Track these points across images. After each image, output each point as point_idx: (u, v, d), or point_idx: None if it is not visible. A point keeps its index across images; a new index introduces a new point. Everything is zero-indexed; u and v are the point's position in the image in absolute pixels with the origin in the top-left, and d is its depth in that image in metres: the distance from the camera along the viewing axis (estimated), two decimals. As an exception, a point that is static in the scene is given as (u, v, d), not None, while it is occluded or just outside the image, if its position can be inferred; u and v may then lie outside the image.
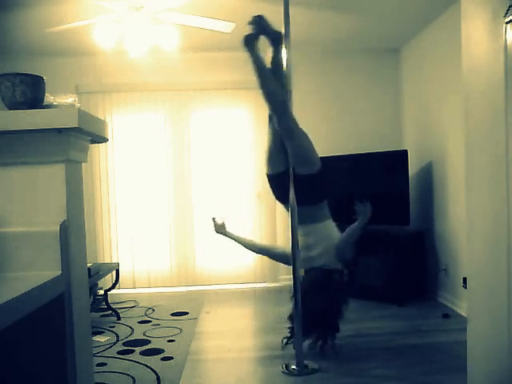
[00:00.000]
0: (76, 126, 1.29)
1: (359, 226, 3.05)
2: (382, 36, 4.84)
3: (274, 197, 3.23)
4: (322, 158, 4.92)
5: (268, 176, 3.13)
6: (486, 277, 1.94)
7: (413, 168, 4.73)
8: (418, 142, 4.88)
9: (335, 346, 2.99)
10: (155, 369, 2.97)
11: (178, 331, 3.72)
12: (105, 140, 1.60)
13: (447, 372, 2.79)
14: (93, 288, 4.14)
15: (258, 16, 2.88)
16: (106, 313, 4.24)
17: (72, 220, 1.40)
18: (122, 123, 5.15)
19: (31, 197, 1.36)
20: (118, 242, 5.14)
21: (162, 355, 3.21)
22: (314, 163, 2.99)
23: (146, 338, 3.59)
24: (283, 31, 2.91)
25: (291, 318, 3.00)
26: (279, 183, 3.03)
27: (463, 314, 3.75)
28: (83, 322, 1.47)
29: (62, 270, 1.32)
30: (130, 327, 3.86)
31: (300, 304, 2.87)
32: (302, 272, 3.01)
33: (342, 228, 3.22)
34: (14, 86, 1.33)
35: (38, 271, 1.30)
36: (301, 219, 2.95)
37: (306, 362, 2.92)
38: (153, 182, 5.17)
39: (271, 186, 3.16)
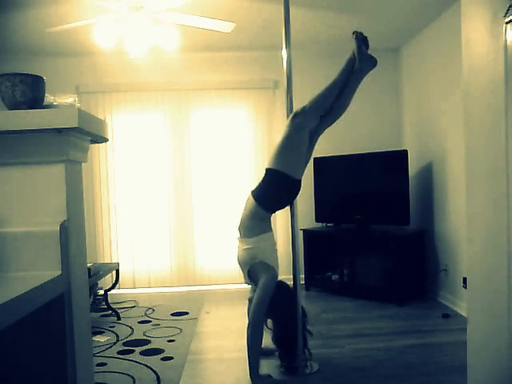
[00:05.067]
0: (76, 125, 1.29)
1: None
2: (382, 36, 4.84)
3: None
4: (322, 158, 4.96)
5: (295, 181, 2.83)
6: (486, 277, 1.94)
7: (413, 168, 4.73)
8: (418, 142, 4.88)
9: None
10: (155, 369, 2.97)
11: (178, 331, 3.72)
12: (105, 140, 1.60)
13: (447, 372, 2.79)
14: (93, 288, 4.14)
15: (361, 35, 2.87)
16: (106, 313, 4.24)
17: (72, 220, 1.40)
18: (122, 123, 5.15)
19: (31, 197, 1.36)
20: (118, 242, 5.14)
21: (161, 355, 3.21)
22: None
23: (145, 337, 3.59)
24: (283, 31, 2.91)
25: (273, 340, 2.94)
26: (298, 189, 2.90)
27: (463, 313, 3.75)
28: (83, 322, 1.47)
29: (62, 270, 1.32)
30: (130, 327, 3.86)
31: (300, 307, 2.87)
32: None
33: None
34: (14, 86, 1.33)
35: (38, 271, 1.30)
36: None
37: (306, 362, 2.92)
38: (153, 181, 5.18)
39: (293, 192, 2.88)
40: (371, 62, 2.86)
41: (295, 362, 2.85)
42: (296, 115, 2.79)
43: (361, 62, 2.82)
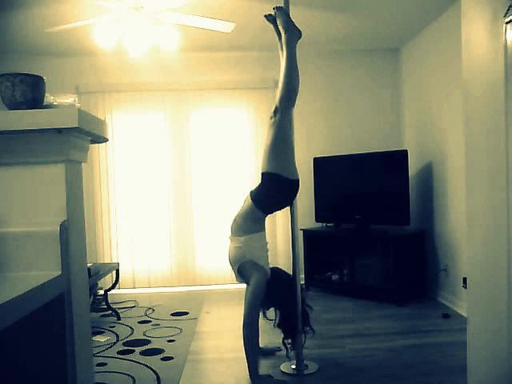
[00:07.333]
0: (76, 125, 1.29)
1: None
2: (382, 36, 4.84)
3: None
4: (322, 158, 4.96)
5: (293, 182, 2.80)
6: (486, 277, 1.94)
7: (413, 168, 4.73)
8: (418, 142, 4.88)
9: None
10: (155, 369, 2.97)
11: (177, 331, 3.72)
12: (105, 140, 1.60)
13: (447, 372, 2.79)
14: (93, 288, 4.14)
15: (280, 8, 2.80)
16: (106, 313, 4.24)
17: (72, 220, 1.40)
18: (122, 123, 5.15)
19: (31, 197, 1.36)
20: (118, 242, 5.14)
21: (161, 355, 3.21)
22: None
23: (145, 337, 3.59)
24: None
25: (279, 325, 2.95)
26: (297, 189, 2.86)
27: (463, 314, 3.75)
28: (83, 322, 1.47)
29: (62, 270, 1.32)
30: (130, 327, 3.86)
31: (300, 304, 2.87)
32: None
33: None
34: (14, 85, 1.33)
35: (38, 271, 1.30)
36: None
37: (305, 362, 2.92)
38: (153, 181, 5.17)
39: (292, 193, 2.85)
40: (298, 30, 2.82)
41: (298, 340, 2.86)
42: (276, 111, 2.76)
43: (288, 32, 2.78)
